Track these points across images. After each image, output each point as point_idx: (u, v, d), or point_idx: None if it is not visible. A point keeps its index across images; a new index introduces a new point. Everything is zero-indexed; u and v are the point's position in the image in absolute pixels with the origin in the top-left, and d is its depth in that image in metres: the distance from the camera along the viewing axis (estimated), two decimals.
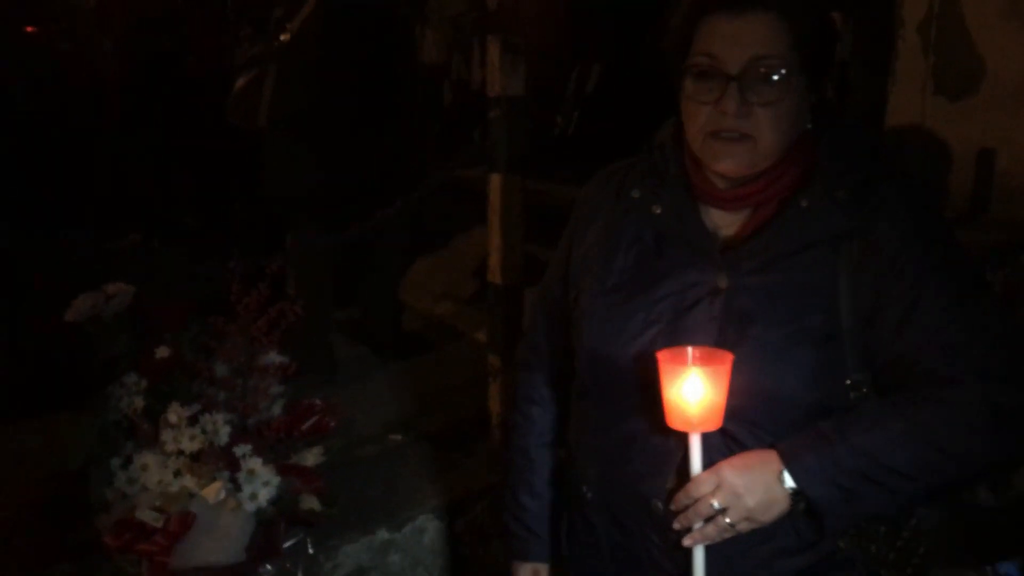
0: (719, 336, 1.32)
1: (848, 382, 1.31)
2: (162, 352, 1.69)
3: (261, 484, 1.63)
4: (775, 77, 1.29)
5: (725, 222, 1.41)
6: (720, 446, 1.32)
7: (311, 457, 1.75)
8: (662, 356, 1.28)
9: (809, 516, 1.30)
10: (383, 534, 2.32)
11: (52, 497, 2.20)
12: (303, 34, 3.22)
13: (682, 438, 1.30)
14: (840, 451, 1.26)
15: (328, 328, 3.47)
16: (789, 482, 1.27)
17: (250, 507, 1.62)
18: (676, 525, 1.31)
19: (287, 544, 1.72)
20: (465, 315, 4.02)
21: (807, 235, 1.32)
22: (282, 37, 3.22)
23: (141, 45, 4.89)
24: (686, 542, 1.31)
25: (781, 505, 1.28)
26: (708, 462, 1.30)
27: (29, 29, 5.12)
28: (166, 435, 1.62)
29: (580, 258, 1.51)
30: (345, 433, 2.08)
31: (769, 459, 1.29)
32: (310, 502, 1.71)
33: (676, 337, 1.33)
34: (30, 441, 2.68)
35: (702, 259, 1.37)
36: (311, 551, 1.77)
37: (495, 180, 2.47)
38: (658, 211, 1.43)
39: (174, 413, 1.63)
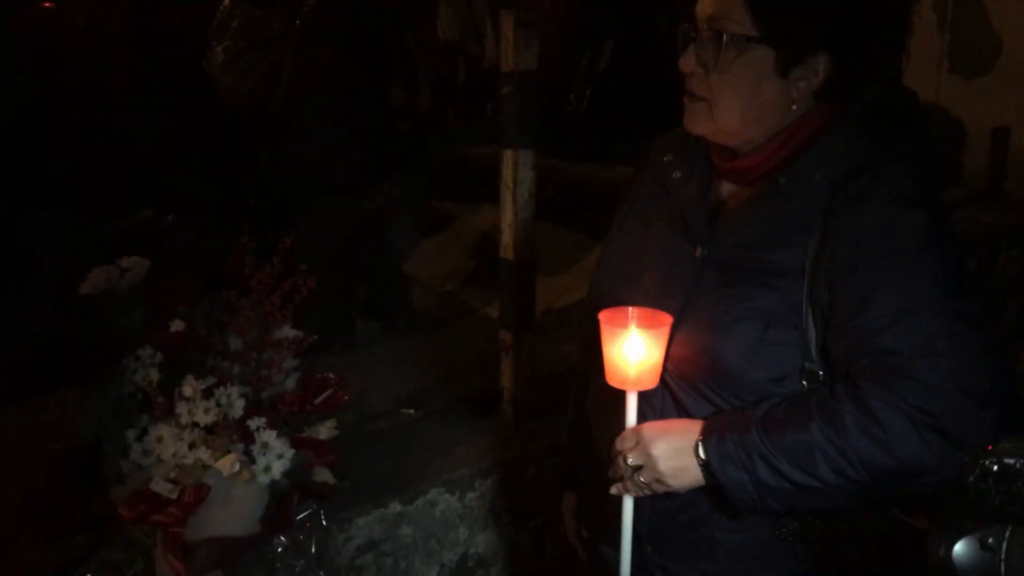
0: (685, 301, 1.36)
1: (802, 368, 1.30)
2: (176, 326, 1.70)
3: (275, 457, 1.64)
4: (724, 39, 1.30)
5: (731, 194, 1.43)
6: (667, 409, 1.37)
7: (324, 430, 1.76)
8: (603, 316, 1.32)
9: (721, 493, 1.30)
10: (395, 507, 2.34)
11: (65, 470, 2.22)
12: (323, 13, 3.20)
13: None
14: (752, 439, 1.26)
15: (348, 299, 3.51)
16: (703, 454, 1.29)
17: (264, 479, 1.63)
18: (610, 475, 1.36)
19: (300, 516, 1.73)
20: (476, 291, 4.03)
21: (776, 213, 1.32)
22: (297, 20, 3.20)
23: (151, 24, 4.89)
24: (611, 491, 1.36)
25: (693, 474, 1.30)
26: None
27: (47, 4, 5.12)
28: (181, 407, 1.63)
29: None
30: (358, 407, 2.09)
31: (692, 428, 1.31)
32: (323, 475, 1.72)
33: (651, 297, 1.38)
34: (42, 415, 2.71)
35: (690, 227, 1.41)
36: (324, 523, 1.78)
37: (508, 156, 2.47)
38: (676, 176, 1.48)
39: (189, 386, 1.64)
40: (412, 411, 2.80)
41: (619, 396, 1.35)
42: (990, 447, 1.12)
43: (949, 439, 1.19)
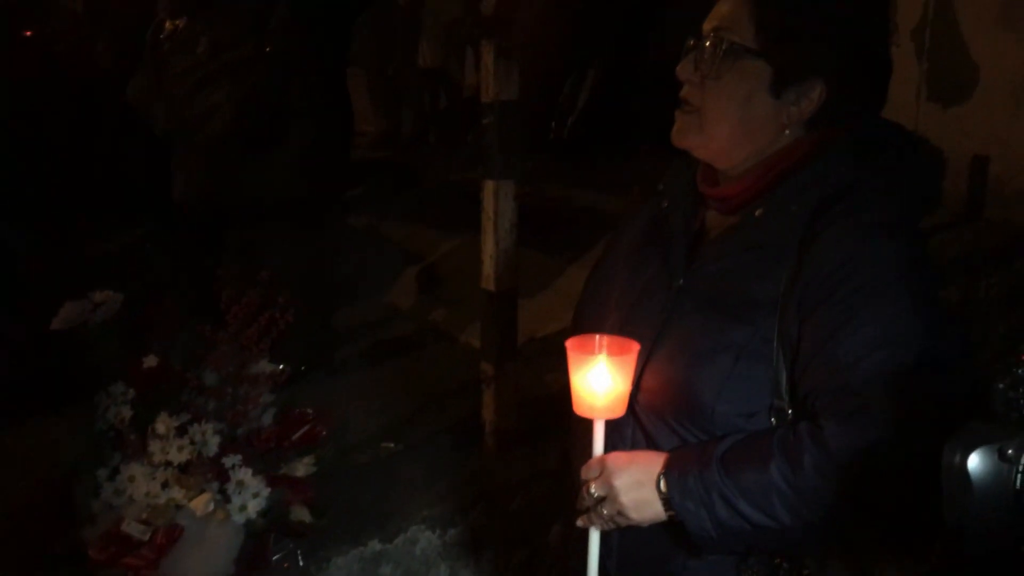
0: (659, 331, 1.34)
1: (771, 405, 1.28)
2: (150, 361, 1.67)
3: (251, 495, 1.61)
4: (723, 48, 1.30)
5: (714, 224, 1.42)
6: (638, 441, 1.35)
7: (302, 467, 1.73)
8: (570, 344, 1.30)
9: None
10: (374, 545, 2.31)
11: (37, 505, 2.17)
12: (288, 39, 3.18)
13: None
14: (712, 476, 1.24)
15: (325, 326, 3.46)
16: (664, 488, 1.27)
17: (239, 519, 1.60)
18: (576, 506, 1.34)
19: (276, 556, 1.69)
20: (459, 318, 4.01)
21: (752, 244, 1.31)
22: (267, 44, 3.17)
23: (131, 47, 4.88)
24: (577, 522, 1.34)
25: (654, 508, 1.28)
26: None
27: (27, 33, 5.11)
28: (154, 446, 1.60)
29: None
30: (337, 440, 2.06)
31: (655, 461, 1.29)
32: (300, 513, 1.69)
33: (628, 324, 1.37)
34: (16, 446, 2.66)
35: (670, 256, 1.40)
36: (301, 563, 1.74)
37: (489, 186, 2.46)
38: (664, 204, 1.47)
39: (162, 423, 1.61)
40: (393, 444, 2.76)
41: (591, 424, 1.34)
42: (1023, 356, 1.03)
43: (908, 484, 1.16)
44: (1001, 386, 0.98)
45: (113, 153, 4.79)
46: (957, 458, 0.94)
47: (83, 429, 1.64)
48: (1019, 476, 0.91)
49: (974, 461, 0.93)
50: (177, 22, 3.26)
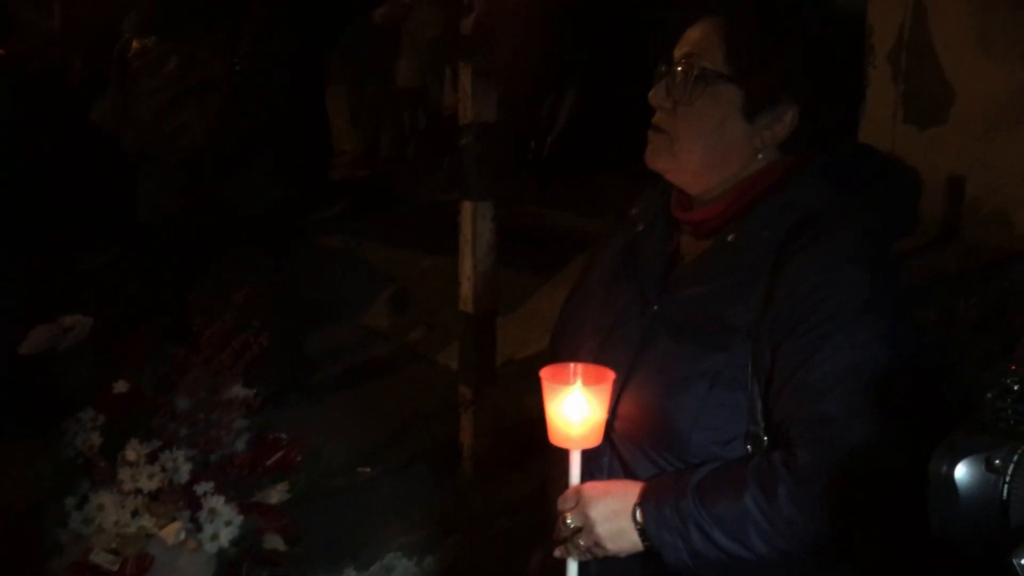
0: (634, 357, 1.33)
1: (747, 432, 1.27)
2: (120, 386, 1.64)
3: (223, 524, 1.58)
4: (694, 73, 1.30)
5: (688, 249, 1.41)
6: (615, 470, 1.33)
7: (275, 494, 1.70)
8: (544, 373, 1.29)
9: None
10: (350, 573, 2.28)
11: (1, 535, 2.12)
12: (259, 58, 3.16)
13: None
14: (688, 505, 1.22)
15: (299, 348, 3.42)
16: (640, 518, 1.25)
17: (211, 548, 1.56)
18: (554, 536, 1.32)
19: None
20: (437, 340, 3.99)
21: (724, 270, 1.30)
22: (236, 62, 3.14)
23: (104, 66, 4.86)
24: (555, 554, 1.31)
25: (630, 538, 1.26)
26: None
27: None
28: (124, 473, 1.56)
29: None
30: (312, 466, 2.03)
31: (631, 491, 1.28)
32: (274, 542, 1.66)
33: (604, 351, 1.35)
34: None
35: (644, 281, 1.39)
36: None
37: (467, 207, 2.45)
38: (639, 228, 1.46)
39: (132, 450, 1.57)
40: (369, 469, 2.73)
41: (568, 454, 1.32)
42: (1013, 367, 1.02)
43: (880, 514, 1.17)
44: (989, 395, 0.98)
45: (82, 174, 4.74)
46: (944, 468, 0.93)
47: (50, 456, 1.61)
48: (1006, 486, 0.90)
49: (961, 471, 0.93)
50: (145, 41, 3.22)
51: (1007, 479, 0.91)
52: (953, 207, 3.62)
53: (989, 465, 0.92)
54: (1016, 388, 0.99)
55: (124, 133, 3.31)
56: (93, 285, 4.21)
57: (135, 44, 3.24)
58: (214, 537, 1.56)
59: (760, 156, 1.33)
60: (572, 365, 1.30)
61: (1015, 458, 0.91)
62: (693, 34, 1.34)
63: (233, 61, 3.11)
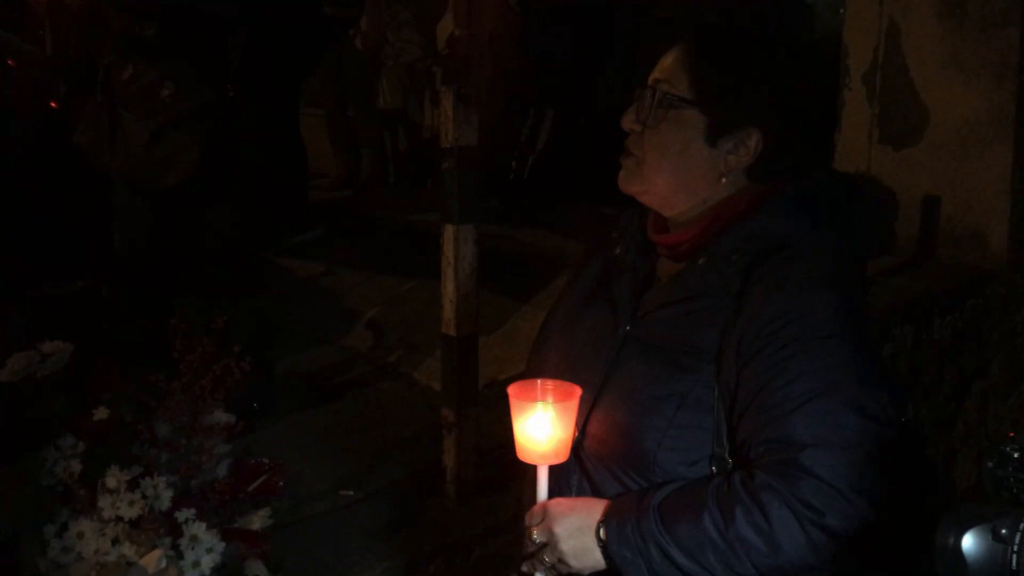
0: (605, 377, 1.35)
1: (711, 453, 1.28)
2: (100, 413, 1.63)
3: (204, 551, 1.56)
4: (659, 98, 1.34)
5: (667, 271, 1.43)
6: (583, 489, 1.35)
7: (257, 520, 1.69)
8: (512, 390, 1.31)
9: None
10: None
11: None
12: (248, 85, 3.15)
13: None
14: (649, 525, 1.23)
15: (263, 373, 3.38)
16: (603, 536, 1.27)
17: (193, 575, 1.55)
18: (523, 552, 1.34)
19: None
20: (419, 361, 3.97)
21: (693, 293, 1.32)
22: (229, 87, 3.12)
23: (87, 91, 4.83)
24: (523, 569, 1.33)
25: (594, 556, 1.27)
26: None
27: None
28: (104, 501, 1.55)
29: None
30: (294, 489, 2.02)
31: (596, 508, 1.29)
32: (256, 568, 1.65)
33: (576, 371, 1.37)
34: None
35: (618, 302, 1.42)
36: None
37: (448, 231, 2.45)
38: (617, 251, 1.49)
39: (113, 477, 1.56)
40: (351, 492, 2.71)
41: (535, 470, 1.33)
42: (1011, 434, 1.04)
43: (835, 538, 1.17)
44: (990, 464, 0.99)
45: (59, 199, 4.70)
46: (952, 539, 0.93)
47: (29, 484, 1.59)
48: (1014, 556, 0.91)
49: (968, 542, 0.93)
50: (133, 65, 3.18)
51: (1015, 548, 0.92)
52: (928, 227, 3.66)
53: (996, 535, 0.92)
54: (1016, 456, 1.01)
55: (111, 159, 3.25)
56: (69, 311, 4.18)
57: (125, 68, 3.19)
58: (196, 564, 1.55)
59: (724, 180, 1.35)
60: (539, 382, 1.32)
61: (1021, 526, 0.92)
62: (665, 60, 1.38)
63: (226, 88, 3.09)
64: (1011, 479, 0.97)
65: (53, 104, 4.80)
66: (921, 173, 3.65)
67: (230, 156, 3.11)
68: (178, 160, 3.07)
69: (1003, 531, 0.93)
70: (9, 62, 4.87)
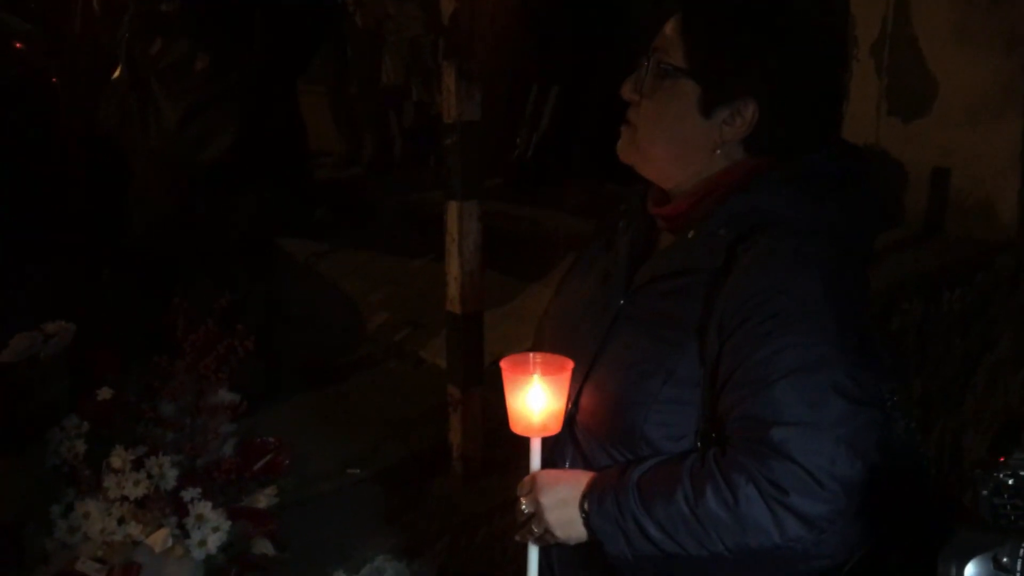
0: (597, 351, 1.35)
1: (697, 428, 1.27)
2: (104, 394, 1.62)
3: (210, 529, 1.56)
4: (655, 67, 1.33)
5: (667, 244, 1.41)
6: (575, 462, 1.35)
7: (263, 499, 1.69)
8: (504, 364, 1.32)
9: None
10: None
11: None
12: (269, 66, 3.12)
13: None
14: (627, 499, 1.23)
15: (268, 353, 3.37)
16: (586, 507, 1.27)
17: (199, 555, 1.55)
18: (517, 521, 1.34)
19: None
20: (425, 340, 3.98)
21: (680, 267, 1.31)
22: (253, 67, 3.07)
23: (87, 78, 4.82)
24: (515, 537, 1.34)
25: (577, 527, 1.28)
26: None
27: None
28: (109, 481, 1.55)
29: None
30: (300, 468, 2.02)
31: (581, 480, 1.30)
32: (262, 546, 1.65)
33: (572, 345, 1.37)
34: None
35: (613, 276, 1.41)
36: None
37: (452, 207, 2.44)
38: (620, 225, 1.47)
39: (118, 457, 1.56)
40: (358, 470, 2.72)
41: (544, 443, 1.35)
42: (1002, 459, 1.03)
43: (803, 520, 1.15)
44: (985, 493, 0.98)
45: (65, 182, 4.70)
46: (954, 570, 0.93)
47: (33, 465, 1.59)
48: None
49: (971, 572, 0.93)
50: (162, 39, 3.09)
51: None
52: (937, 200, 3.63)
53: (997, 564, 0.92)
54: (1011, 483, 1.00)
55: (142, 137, 3.18)
56: (72, 292, 4.18)
57: (155, 43, 3.12)
58: (201, 543, 1.55)
59: (719, 152, 1.33)
60: (532, 355, 1.33)
61: (1022, 552, 0.92)
62: (665, 30, 1.36)
63: (252, 66, 3.03)
64: (1007, 506, 0.97)
65: (54, 80, 4.79)
66: (930, 146, 3.61)
67: (263, 138, 3.09)
68: (213, 139, 3.04)
69: (1004, 559, 0.93)
70: (16, 44, 4.86)
